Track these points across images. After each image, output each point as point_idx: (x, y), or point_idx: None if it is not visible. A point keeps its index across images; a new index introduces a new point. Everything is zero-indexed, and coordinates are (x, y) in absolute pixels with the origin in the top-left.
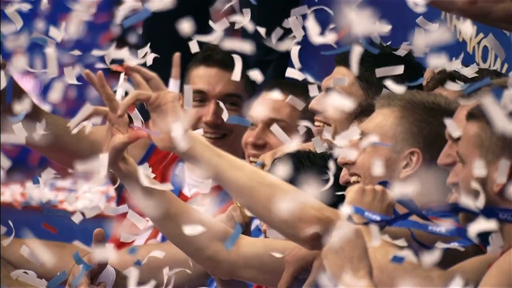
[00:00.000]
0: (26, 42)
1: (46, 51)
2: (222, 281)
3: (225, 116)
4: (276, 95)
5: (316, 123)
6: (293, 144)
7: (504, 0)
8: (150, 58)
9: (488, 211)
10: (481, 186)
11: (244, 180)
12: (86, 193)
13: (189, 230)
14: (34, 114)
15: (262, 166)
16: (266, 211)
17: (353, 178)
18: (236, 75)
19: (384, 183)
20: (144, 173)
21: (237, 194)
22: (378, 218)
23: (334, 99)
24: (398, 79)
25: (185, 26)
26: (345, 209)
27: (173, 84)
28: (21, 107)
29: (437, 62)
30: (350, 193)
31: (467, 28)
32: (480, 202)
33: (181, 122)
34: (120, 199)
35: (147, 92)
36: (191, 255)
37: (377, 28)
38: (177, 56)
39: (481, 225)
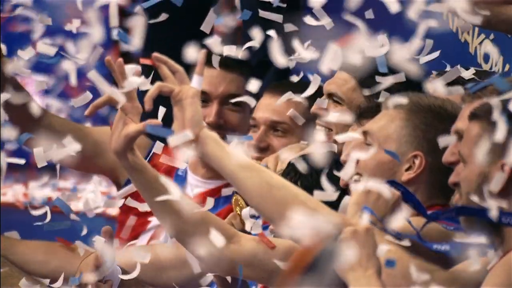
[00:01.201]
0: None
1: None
2: (221, 281)
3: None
4: (288, 96)
5: (318, 127)
6: (295, 146)
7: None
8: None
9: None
10: (482, 186)
11: (254, 181)
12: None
13: (218, 241)
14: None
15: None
16: (274, 213)
17: (355, 177)
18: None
19: (390, 182)
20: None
21: (247, 194)
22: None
23: (333, 116)
24: (400, 84)
25: (191, 51)
26: (352, 208)
27: (196, 80)
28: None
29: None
30: (355, 193)
31: (492, 50)
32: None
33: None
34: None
35: (170, 85)
36: (190, 250)
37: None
38: (202, 53)
39: (472, 238)
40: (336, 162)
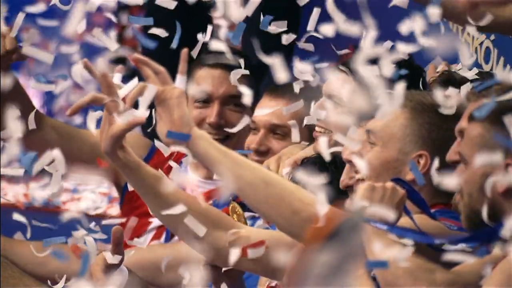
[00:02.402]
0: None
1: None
2: (216, 277)
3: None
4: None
5: (317, 129)
6: (296, 147)
7: (506, 4)
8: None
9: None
10: (486, 186)
11: (247, 178)
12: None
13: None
14: (36, 119)
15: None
16: (270, 210)
17: (359, 176)
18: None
19: (396, 180)
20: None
21: (241, 193)
22: (384, 226)
23: (334, 117)
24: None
25: (179, 80)
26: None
27: (180, 79)
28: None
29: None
30: (360, 190)
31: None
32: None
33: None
34: (124, 200)
35: (153, 86)
36: (190, 244)
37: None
38: (184, 51)
39: (457, 256)
40: (339, 161)
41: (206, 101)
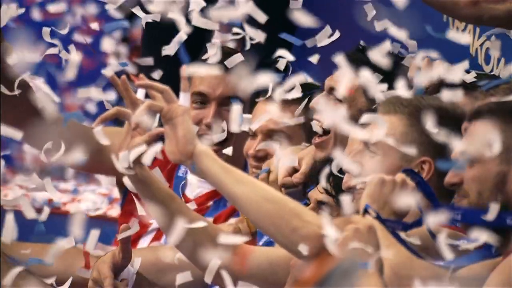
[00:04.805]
0: None
1: None
2: None
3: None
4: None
5: (315, 121)
6: (296, 149)
7: (505, 1)
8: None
9: (497, 218)
10: (500, 185)
11: (249, 196)
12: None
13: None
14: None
15: (268, 172)
16: (271, 227)
17: (362, 185)
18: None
19: (407, 171)
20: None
21: (242, 209)
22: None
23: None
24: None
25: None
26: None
27: (183, 97)
28: None
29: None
30: (370, 185)
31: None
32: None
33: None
34: (125, 201)
35: (159, 104)
36: (195, 263)
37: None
38: (184, 70)
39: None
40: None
41: (203, 102)
